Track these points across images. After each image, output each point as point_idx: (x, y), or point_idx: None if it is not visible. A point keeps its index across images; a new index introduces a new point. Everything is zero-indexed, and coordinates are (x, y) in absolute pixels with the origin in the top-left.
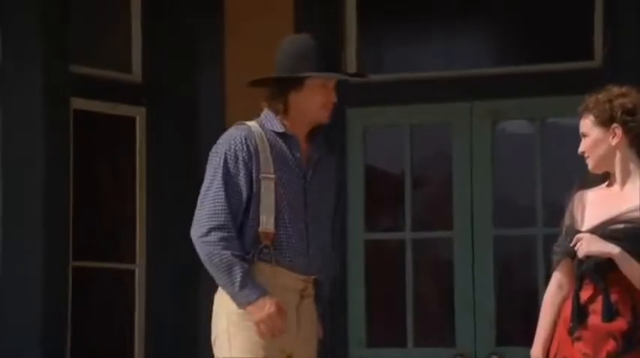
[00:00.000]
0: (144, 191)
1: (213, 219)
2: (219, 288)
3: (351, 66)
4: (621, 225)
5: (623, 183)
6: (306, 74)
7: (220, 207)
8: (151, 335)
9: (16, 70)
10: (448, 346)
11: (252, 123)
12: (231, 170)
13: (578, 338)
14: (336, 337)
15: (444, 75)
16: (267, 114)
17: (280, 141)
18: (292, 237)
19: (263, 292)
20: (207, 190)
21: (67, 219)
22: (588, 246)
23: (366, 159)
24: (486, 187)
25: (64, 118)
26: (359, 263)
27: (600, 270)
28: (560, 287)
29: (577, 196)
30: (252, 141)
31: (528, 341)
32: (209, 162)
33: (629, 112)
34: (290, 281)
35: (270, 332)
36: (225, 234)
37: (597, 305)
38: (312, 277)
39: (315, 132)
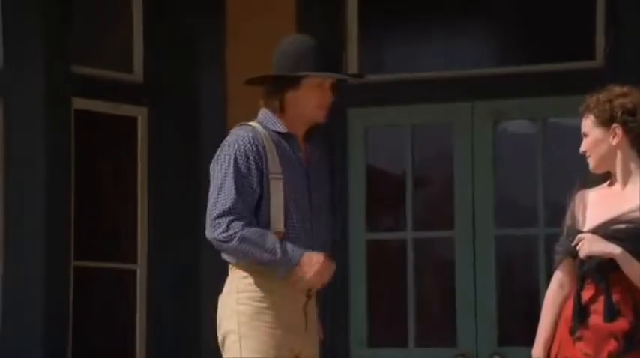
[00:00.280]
0: (145, 191)
1: (228, 215)
2: (225, 289)
3: (352, 66)
4: (622, 225)
5: (624, 183)
6: (302, 74)
7: (233, 205)
8: (153, 335)
9: (18, 70)
10: (449, 346)
11: (255, 124)
12: (242, 170)
13: (580, 338)
14: (338, 337)
15: (446, 75)
16: (265, 113)
17: (283, 141)
18: (300, 236)
19: (302, 250)
20: (219, 191)
21: (69, 219)
22: (590, 246)
23: (368, 159)
24: (488, 187)
25: (65, 118)
26: (360, 263)
27: (602, 270)
28: (561, 286)
29: (578, 196)
30: (260, 142)
31: (530, 341)
32: (217, 163)
33: (630, 112)
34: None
35: (326, 279)
36: (243, 222)
37: (599, 305)
38: None
39: (313, 131)
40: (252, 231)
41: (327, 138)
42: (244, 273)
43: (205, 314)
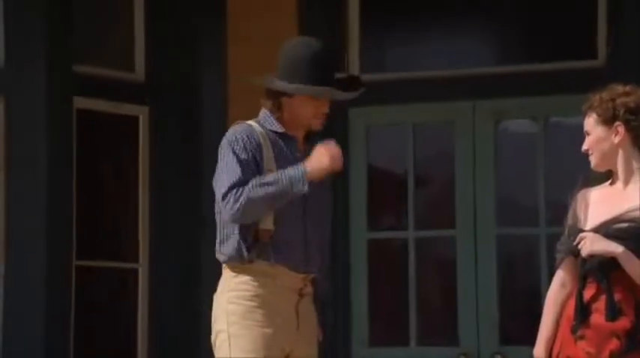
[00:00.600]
0: (147, 190)
1: (233, 189)
2: (218, 288)
3: (354, 65)
4: (624, 224)
5: (626, 181)
6: (292, 88)
7: (237, 180)
8: (154, 333)
9: (19, 69)
10: (451, 345)
11: (253, 123)
12: (241, 156)
13: (581, 337)
14: (339, 336)
15: (447, 74)
16: (264, 113)
17: (280, 141)
18: (291, 235)
19: (300, 164)
20: (222, 174)
21: (70, 218)
22: (592, 244)
23: (369, 158)
24: (489, 186)
25: (66, 117)
26: (362, 262)
27: (604, 269)
28: (563, 285)
29: (580, 195)
30: (256, 138)
31: (532, 341)
32: (219, 155)
33: (632, 111)
34: (289, 280)
35: (339, 160)
36: (248, 179)
37: (600, 304)
38: (311, 275)
39: (313, 133)
40: (252, 184)
41: (329, 137)
42: (234, 272)
43: (206, 313)
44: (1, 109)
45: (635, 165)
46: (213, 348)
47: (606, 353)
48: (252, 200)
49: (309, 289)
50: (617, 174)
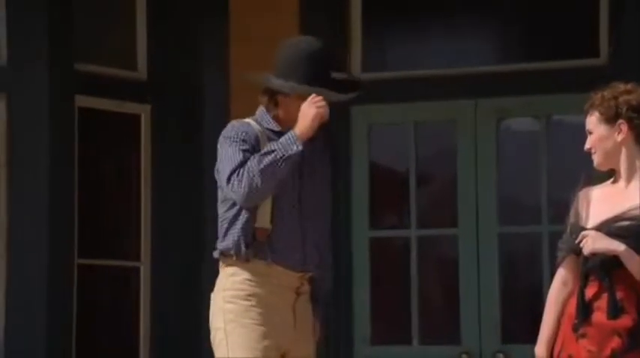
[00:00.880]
0: (149, 188)
1: (234, 172)
2: (216, 286)
3: (356, 63)
4: (626, 222)
5: (629, 180)
6: (287, 88)
7: (239, 163)
8: (156, 332)
9: (22, 67)
10: (453, 344)
11: (251, 121)
12: (242, 146)
13: (583, 335)
14: (341, 335)
15: (449, 72)
16: (262, 111)
17: (277, 139)
18: (288, 233)
19: (288, 132)
20: (224, 162)
21: (72, 217)
22: (594, 243)
23: (371, 156)
24: (491, 185)
25: (69, 116)
26: (364, 261)
27: (606, 267)
28: (564, 283)
29: (582, 193)
30: (254, 136)
31: (534, 339)
32: (219, 148)
33: (635, 109)
34: (285, 279)
35: (324, 111)
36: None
37: (602, 302)
38: (308, 274)
39: (317, 133)
40: (250, 162)
41: (330, 135)
42: (231, 271)
43: (208, 312)
44: (3, 108)
45: (637, 163)
46: (213, 347)
47: (608, 351)
48: (254, 174)
49: (305, 287)
50: (619, 172)
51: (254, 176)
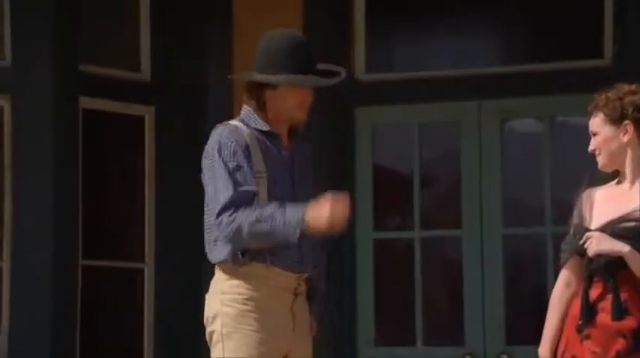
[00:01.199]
0: (152, 190)
1: (227, 210)
2: (211, 288)
3: (360, 65)
4: (631, 223)
5: (633, 180)
6: (276, 80)
7: (232, 198)
8: (160, 333)
9: (26, 69)
10: (457, 345)
11: (237, 123)
12: (231, 165)
13: (588, 337)
14: (345, 336)
15: (453, 74)
16: (247, 111)
17: (266, 140)
18: None
19: (302, 207)
20: (213, 182)
21: (76, 218)
22: (598, 244)
23: (375, 158)
24: (495, 186)
25: (73, 117)
26: (368, 262)
27: (610, 269)
28: (567, 284)
29: (585, 194)
30: (243, 140)
31: (538, 340)
32: (205, 164)
33: None
34: (284, 281)
35: (343, 216)
36: (244, 204)
37: (607, 304)
38: (305, 275)
39: (298, 129)
40: (247, 216)
41: (335, 136)
42: (228, 275)
43: None
44: (7, 109)
45: None
46: (210, 346)
47: (612, 352)
48: (244, 231)
49: (303, 288)
50: (624, 173)
51: (242, 231)
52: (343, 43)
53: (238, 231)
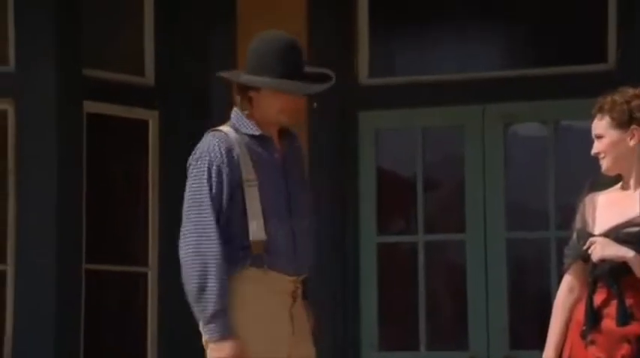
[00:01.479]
0: (156, 194)
1: (196, 234)
2: None
3: (363, 69)
4: (635, 229)
5: (638, 185)
6: (258, 82)
7: (208, 220)
8: (164, 337)
9: (30, 73)
10: (461, 349)
11: (227, 129)
12: (214, 180)
13: (592, 342)
14: (349, 340)
15: (456, 78)
16: (237, 114)
17: (257, 145)
18: (280, 240)
19: (228, 332)
20: (192, 203)
21: (80, 222)
22: (602, 249)
23: (378, 162)
24: (499, 190)
25: (77, 121)
26: (371, 266)
27: (614, 274)
28: (571, 290)
29: (588, 199)
30: (232, 149)
31: (542, 345)
32: (190, 173)
33: None
34: (281, 285)
35: None
36: (215, 249)
37: (611, 309)
38: (302, 277)
39: (288, 129)
40: (204, 278)
41: (338, 141)
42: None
43: None
44: (11, 113)
45: None
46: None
47: None
48: (189, 273)
49: (300, 290)
50: (628, 177)
51: (187, 272)
52: (347, 48)
53: (189, 267)
